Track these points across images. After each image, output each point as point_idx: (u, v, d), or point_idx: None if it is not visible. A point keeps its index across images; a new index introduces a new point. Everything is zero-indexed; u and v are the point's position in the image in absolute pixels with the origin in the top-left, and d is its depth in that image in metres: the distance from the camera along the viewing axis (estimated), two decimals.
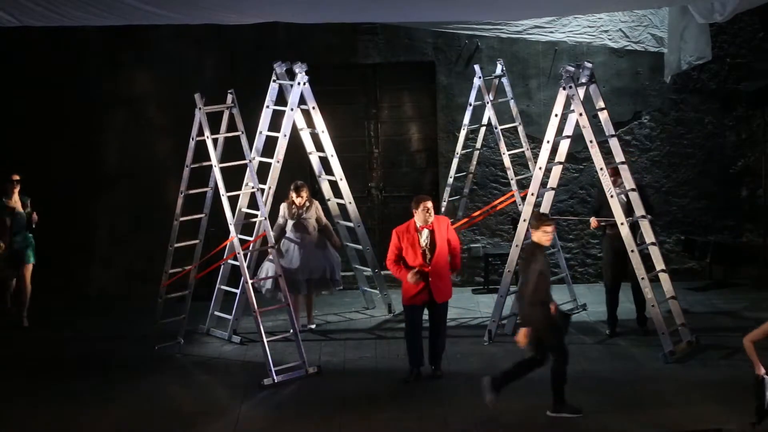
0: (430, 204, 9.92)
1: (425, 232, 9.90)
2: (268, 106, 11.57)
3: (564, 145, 11.04)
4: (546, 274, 9.06)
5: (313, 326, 11.81)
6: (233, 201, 10.86)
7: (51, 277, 13.06)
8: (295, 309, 11.53)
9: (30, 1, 9.54)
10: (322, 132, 11.92)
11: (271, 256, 11.10)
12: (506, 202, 12.70)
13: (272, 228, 11.32)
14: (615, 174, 10.73)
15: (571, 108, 10.84)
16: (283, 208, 11.62)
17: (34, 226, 11.84)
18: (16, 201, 11.75)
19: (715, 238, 13.44)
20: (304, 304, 11.79)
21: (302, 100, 11.61)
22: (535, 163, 11.40)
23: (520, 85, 13.32)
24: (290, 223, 11.57)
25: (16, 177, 11.73)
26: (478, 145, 12.82)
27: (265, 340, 10.08)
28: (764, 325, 8.31)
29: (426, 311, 10.13)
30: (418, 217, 9.91)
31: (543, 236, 9.04)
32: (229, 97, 10.64)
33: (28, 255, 11.88)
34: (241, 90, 10.84)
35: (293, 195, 11.51)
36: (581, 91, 10.84)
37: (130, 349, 11.20)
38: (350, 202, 12.13)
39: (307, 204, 11.59)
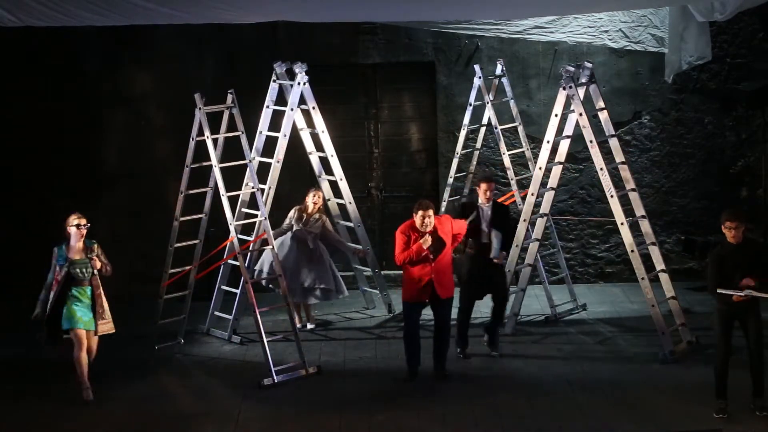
0: (430, 212, 9.91)
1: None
2: (268, 106, 11.57)
3: (564, 145, 11.05)
4: (718, 265, 8.99)
5: (314, 326, 11.81)
6: (233, 201, 10.86)
7: None
8: (297, 308, 11.54)
9: (33, 0, 9.54)
10: (322, 132, 11.93)
11: (267, 253, 11.11)
12: (506, 203, 12.69)
13: (274, 228, 11.35)
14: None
15: (571, 108, 10.85)
16: (293, 212, 11.60)
17: (95, 272, 9.68)
18: (79, 249, 9.68)
19: (715, 238, 13.42)
20: (303, 304, 11.79)
21: (302, 100, 11.61)
22: (535, 163, 11.41)
23: (520, 85, 13.31)
24: (294, 227, 11.54)
25: (83, 221, 9.69)
26: (478, 145, 12.82)
27: (265, 340, 10.09)
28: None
29: (430, 311, 10.15)
30: (417, 221, 9.93)
31: (725, 231, 9.10)
32: (229, 97, 10.65)
33: (88, 319, 9.59)
34: (241, 90, 10.84)
35: (308, 197, 11.51)
36: (581, 91, 10.85)
37: (130, 349, 11.20)
38: (350, 202, 12.13)
39: (317, 216, 11.56)
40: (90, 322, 9.63)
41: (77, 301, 9.61)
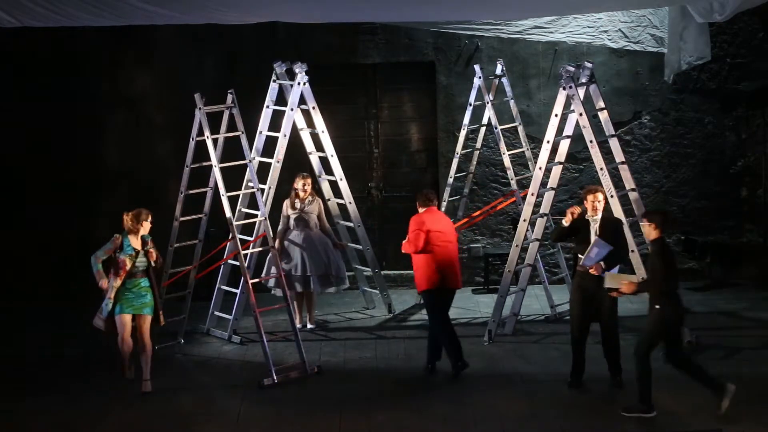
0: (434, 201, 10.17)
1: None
2: (268, 106, 11.57)
3: (564, 145, 11.04)
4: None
5: (314, 326, 11.80)
6: (233, 201, 10.86)
7: (51, 277, 13.09)
8: (297, 307, 11.54)
9: (30, 2, 9.54)
10: (322, 132, 11.93)
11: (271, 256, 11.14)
12: (506, 203, 12.71)
13: (275, 232, 11.36)
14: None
15: (571, 108, 10.85)
16: (286, 204, 11.63)
17: (153, 265, 9.86)
18: (138, 240, 9.83)
19: (715, 238, 13.45)
20: (305, 303, 11.79)
21: (302, 100, 11.61)
22: (535, 163, 11.41)
23: (520, 85, 13.32)
24: (292, 218, 11.57)
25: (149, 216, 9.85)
26: (478, 145, 12.82)
27: (265, 340, 10.09)
28: None
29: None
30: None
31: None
32: (229, 97, 10.65)
33: (138, 304, 9.84)
34: (241, 90, 10.84)
35: (298, 182, 11.51)
36: (581, 91, 10.85)
37: None
38: (350, 202, 12.13)
39: (310, 198, 11.60)
40: (140, 308, 9.81)
41: (128, 290, 9.80)
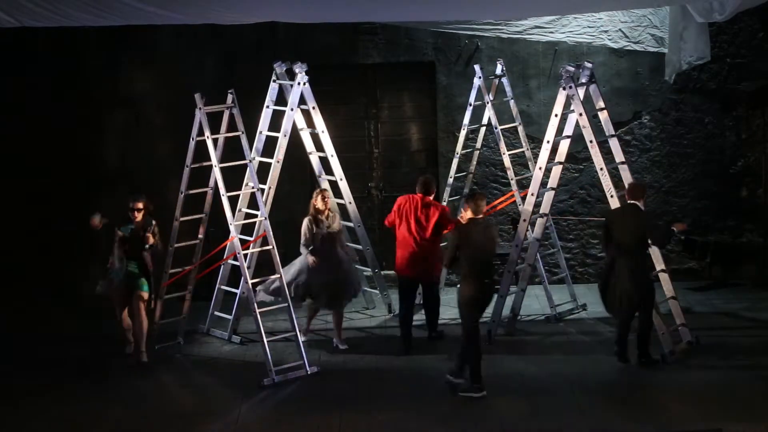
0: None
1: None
2: (268, 106, 11.57)
3: (564, 145, 11.05)
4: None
5: (345, 347, 11.13)
6: (233, 201, 10.86)
7: (51, 277, 13.08)
8: (308, 319, 11.40)
9: (30, 2, 9.55)
10: (322, 132, 11.92)
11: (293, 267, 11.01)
12: (506, 202, 12.71)
13: (275, 232, 11.25)
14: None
15: (571, 108, 10.85)
16: (306, 225, 11.00)
17: (147, 246, 10.61)
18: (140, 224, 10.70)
19: (715, 238, 13.45)
20: (334, 321, 11.26)
21: (302, 100, 11.61)
22: (535, 163, 11.41)
23: (520, 85, 13.31)
24: (318, 237, 11.00)
25: (139, 205, 10.64)
26: (478, 145, 12.81)
27: (265, 340, 10.09)
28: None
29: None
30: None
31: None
32: (229, 97, 10.65)
33: (139, 283, 10.63)
34: (241, 90, 10.84)
35: (317, 199, 11.01)
36: (581, 91, 10.85)
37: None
38: (350, 202, 12.13)
39: (330, 214, 11.14)
40: (139, 284, 10.62)
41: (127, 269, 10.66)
